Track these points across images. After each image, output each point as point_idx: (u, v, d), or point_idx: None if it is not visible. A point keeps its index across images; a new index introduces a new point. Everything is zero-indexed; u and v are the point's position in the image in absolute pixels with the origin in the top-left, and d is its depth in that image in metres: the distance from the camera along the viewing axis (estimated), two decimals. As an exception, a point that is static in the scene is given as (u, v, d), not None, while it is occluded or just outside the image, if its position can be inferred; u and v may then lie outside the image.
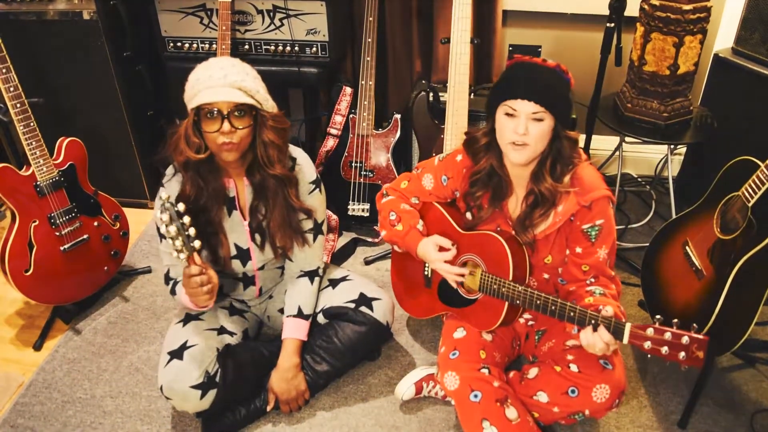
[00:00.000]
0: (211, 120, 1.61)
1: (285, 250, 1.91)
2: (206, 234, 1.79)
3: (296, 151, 1.89)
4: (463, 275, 1.81)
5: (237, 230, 1.86)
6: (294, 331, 1.95)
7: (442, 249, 1.81)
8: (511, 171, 1.73)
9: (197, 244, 1.57)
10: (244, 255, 1.90)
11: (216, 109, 1.59)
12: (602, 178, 1.70)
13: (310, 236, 1.94)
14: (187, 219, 1.53)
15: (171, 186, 1.77)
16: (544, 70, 1.58)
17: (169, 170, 1.80)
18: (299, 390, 1.97)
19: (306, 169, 1.89)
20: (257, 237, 1.88)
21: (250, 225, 1.86)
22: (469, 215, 1.85)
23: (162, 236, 1.80)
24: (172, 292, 1.87)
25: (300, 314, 1.96)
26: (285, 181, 1.80)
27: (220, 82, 1.59)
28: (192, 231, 1.55)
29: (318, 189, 1.93)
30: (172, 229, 1.52)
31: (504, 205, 1.78)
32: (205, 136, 1.65)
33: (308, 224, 1.92)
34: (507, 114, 1.59)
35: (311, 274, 2.01)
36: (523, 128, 1.56)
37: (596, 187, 1.66)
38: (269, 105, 1.70)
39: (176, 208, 1.51)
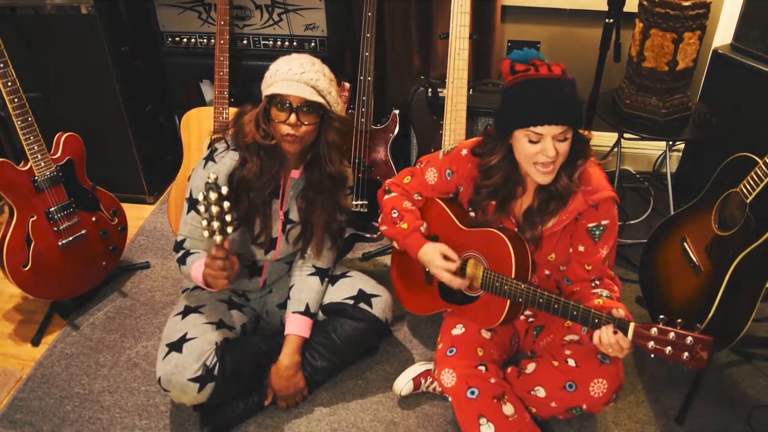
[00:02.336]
0: (281, 110, 1.68)
1: (317, 248, 1.96)
2: (246, 214, 1.84)
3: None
4: (465, 286, 1.81)
5: (272, 219, 1.90)
6: (298, 328, 1.95)
7: (447, 258, 1.81)
8: (524, 172, 1.70)
9: (230, 229, 1.60)
10: (271, 243, 1.93)
11: (287, 101, 1.66)
12: (607, 178, 1.69)
13: (339, 240, 2.02)
14: (227, 204, 1.55)
15: (223, 162, 1.80)
16: (559, 85, 1.53)
17: (221, 146, 1.83)
18: (298, 387, 1.97)
19: (350, 173, 1.97)
20: (293, 230, 1.93)
21: (286, 216, 1.90)
22: (472, 213, 1.84)
23: (192, 207, 1.83)
24: (182, 261, 1.87)
25: (307, 312, 1.96)
26: (339, 181, 1.89)
27: (297, 78, 1.66)
28: (229, 217, 1.57)
29: (351, 195, 2.02)
30: (214, 209, 1.53)
31: (510, 208, 1.77)
32: (272, 124, 1.72)
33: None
34: (531, 141, 1.55)
35: (323, 273, 2.02)
36: (553, 151, 1.53)
37: (603, 188, 1.65)
38: (338, 108, 1.77)
39: (221, 191, 1.52)
